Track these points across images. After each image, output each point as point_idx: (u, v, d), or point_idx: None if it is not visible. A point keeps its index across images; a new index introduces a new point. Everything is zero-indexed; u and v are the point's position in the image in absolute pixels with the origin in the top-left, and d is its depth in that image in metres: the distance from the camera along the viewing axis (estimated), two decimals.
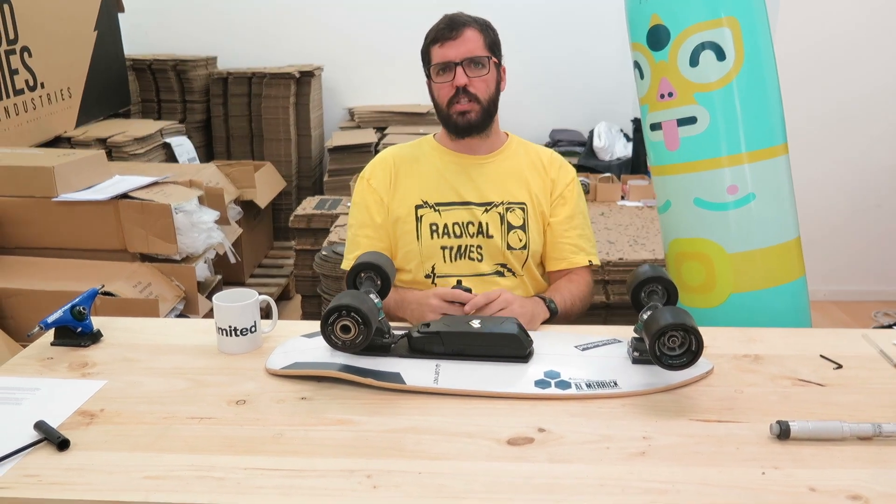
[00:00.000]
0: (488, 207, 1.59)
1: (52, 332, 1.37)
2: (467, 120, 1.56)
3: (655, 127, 1.75)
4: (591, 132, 4.09)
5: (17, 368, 1.28)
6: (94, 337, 1.37)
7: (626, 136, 4.19)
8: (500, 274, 1.61)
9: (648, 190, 3.30)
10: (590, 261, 1.67)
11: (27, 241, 2.40)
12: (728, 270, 1.70)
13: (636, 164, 3.94)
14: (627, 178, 3.53)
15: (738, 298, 1.70)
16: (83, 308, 1.35)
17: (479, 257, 1.60)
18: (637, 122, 4.08)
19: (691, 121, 1.67)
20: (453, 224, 1.59)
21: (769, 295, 1.70)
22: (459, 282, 1.50)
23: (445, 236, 1.59)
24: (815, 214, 3.31)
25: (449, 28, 1.54)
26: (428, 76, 1.59)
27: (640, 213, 3.15)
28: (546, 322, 1.49)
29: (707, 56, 1.64)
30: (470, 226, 1.59)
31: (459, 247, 1.59)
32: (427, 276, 1.59)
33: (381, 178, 1.64)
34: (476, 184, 1.61)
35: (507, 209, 1.60)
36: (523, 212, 1.61)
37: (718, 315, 1.71)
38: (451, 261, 1.59)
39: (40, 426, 1.06)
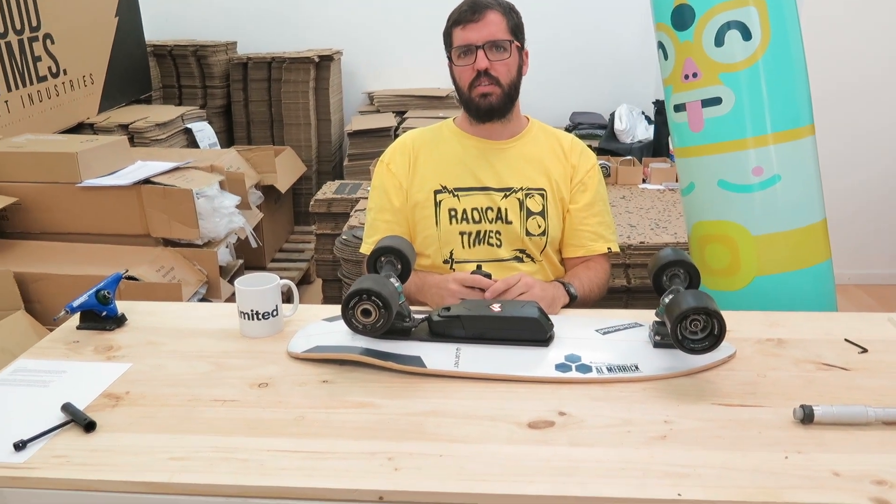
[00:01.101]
0: (507, 193, 1.59)
1: (77, 315, 1.39)
2: (489, 103, 1.55)
3: (679, 108, 1.73)
4: (612, 115, 4.05)
5: (45, 351, 1.30)
6: (118, 321, 1.39)
7: (647, 118, 4.15)
8: (519, 259, 1.60)
9: (670, 173, 3.27)
10: (609, 248, 1.65)
11: (52, 226, 2.43)
12: (752, 253, 1.68)
13: (658, 147, 3.90)
14: (649, 160, 3.49)
15: (763, 282, 1.69)
16: (108, 292, 1.37)
17: (498, 243, 1.59)
18: (659, 104, 4.03)
19: (716, 101, 1.65)
20: (472, 209, 1.59)
21: (794, 278, 1.68)
22: (479, 266, 1.50)
23: (464, 222, 1.59)
24: (841, 195, 3.26)
25: (471, 10, 1.53)
26: (449, 58, 1.58)
27: (661, 196, 3.13)
28: (565, 307, 1.49)
29: (733, 35, 1.61)
30: (489, 211, 1.58)
31: (478, 232, 1.59)
32: (445, 262, 1.60)
33: (401, 163, 1.64)
34: (496, 169, 1.60)
35: (527, 195, 1.59)
36: (542, 198, 1.60)
37: (742, 298, 1.70)
38: (469, 246, 1.59)
39: (67, 408, 1.08)
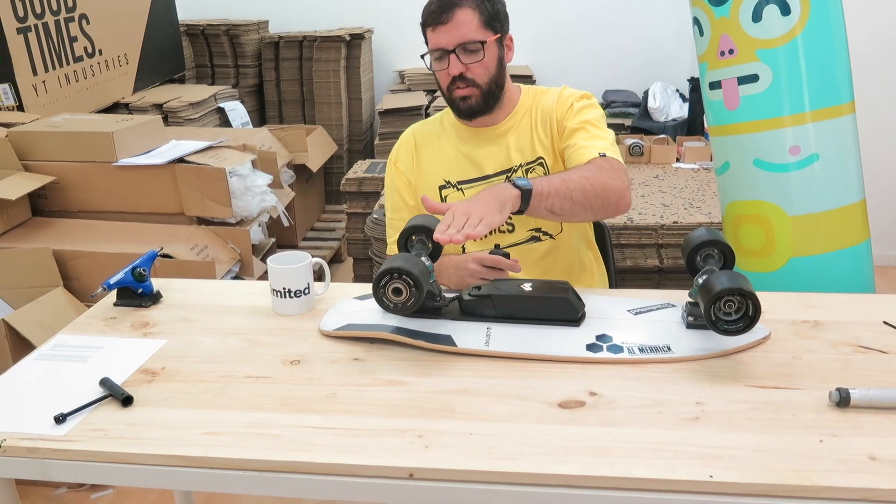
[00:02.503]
0: (509, 174, 1.55)
1: (114, 292, 1.41)
2: (468, 105, 1.50)
3: (715, 86, 1.70)
4: (646, 93, 3.99)
5: (83, 327, 1.33)
6: (154, 298, 1.41)
7: (682, 96, 4.08)
8: (536, 239, 1.57)
9: (704, 152, 3.22)
10: (601, 153, 1.41)
11: (89, 204, 2.47)
12: (788, 234, 1.65)
13: (692, 126, 3.83)
14: (683, 139, 3.44)
15: (799, 263, 1.66)
16: (143, 270, 1.39)
17: (510, 228, 1.56)
18: (694, 82, 3.96)
19: (752, 79, 1.62)
20: None
21: (831, 259, 1.65)
22: (497, 246, 1.48)
23: None
24: (881, 174, 3.18)
25: (439, 10, 1.44)
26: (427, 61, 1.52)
27: (695, 175, 3.08)
28: (529, 209, 1.28)
29: (771, 11, 1.57)
30: None
31: None
32: None
33: (406, 160, 1.63)
34: (495, 153, 1.56)
35: (527, 170, 1.54)
36: (543, 167, 1.54)
37: (777, 280, 1.67)
38: (481, 238, 1.57)
39: (105, 383, 1.10)
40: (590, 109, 1.52)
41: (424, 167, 1.61)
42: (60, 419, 1.02)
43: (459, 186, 1.57)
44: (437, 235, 1.18)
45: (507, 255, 1.42)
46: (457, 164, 1.58)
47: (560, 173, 1.35)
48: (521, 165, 1.55)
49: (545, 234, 1.57)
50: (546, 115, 1.54)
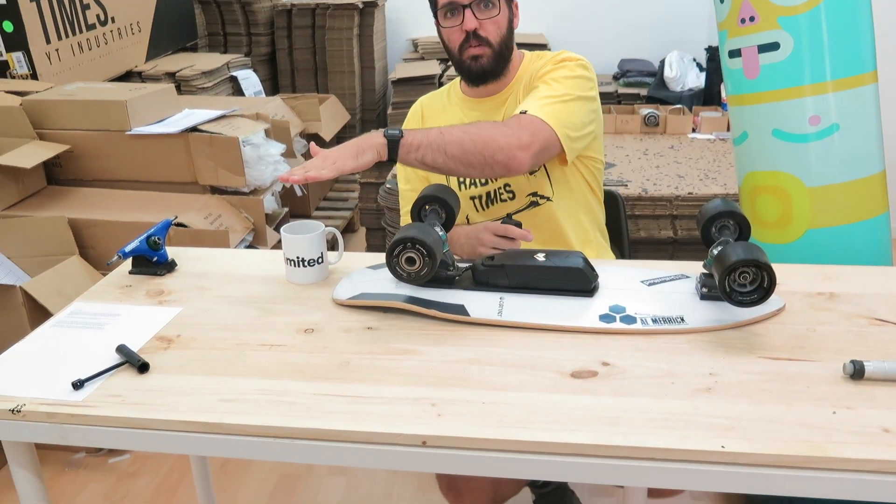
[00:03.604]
0: None
1: (129, 261, 1.42)
2: (480, 66, 1.47)
3: (734, 54, 1.67)
4: (662, 62, 3.94)
5: (99, 295, 1.34)
6: (169, 266, 1.42)
7: (698, 65, 4.02)
8: (535, 204, 1.54)
9: (721, 122, 3.19)
10: (523, 111, 1.37)
11: (103, 173, 2.48)
12: (806, 205, 1.63)
13: (709, 95, 3.79)
14: (699, 109, 3.41)
15: (816, 234, 1.64)
16: (158, 238, 1.40)
17: (511, 195, 1.55)
18: (711, 51, 3.90)
19: (773, 47, 1.59)
20: None
21: (849, 231, 1.63)
22: (509, 215, 1.47)
23: (472, 186, 1.56)
24: None
25: None
26: (436, 19, 1.49)
27: (711, 145, 3.05)
28: (399, 157, 1.27)
29: None
30: None
31: (488, 193, 1.55)
32: None
33: None
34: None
35: None
36: None
37: (793, 251, 1.66)
38: (483, 208, 1.56)
39: (122, 350, 1.12)
40: (560, 70, 1.45)
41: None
42: (78, 385, 1.03)
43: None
44: (280, 175, 1.17)
45: (519, 224, 1.41)
46: None
47: (445, 127, 1.32)
48: None
49: (542, 197, 1.54)
50: (532, 80, 1.50)
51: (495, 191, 1.55)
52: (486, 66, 1.47)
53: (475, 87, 1.54)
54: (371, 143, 1.24)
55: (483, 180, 1.54)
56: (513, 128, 1.33)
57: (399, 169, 1.65)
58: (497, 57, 1.47)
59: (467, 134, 1.30)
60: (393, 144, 1.25)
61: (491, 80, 1.51)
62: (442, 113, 1.60)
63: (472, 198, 1.56)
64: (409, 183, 1.63)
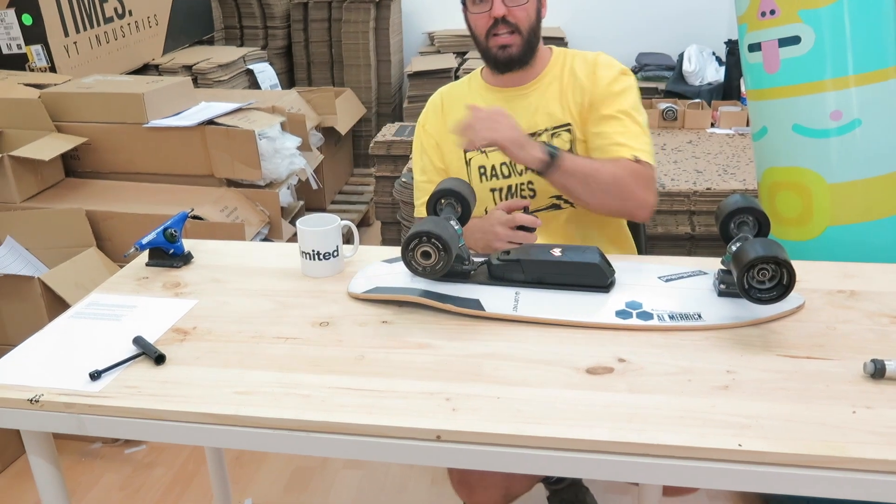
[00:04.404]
0: (533, 137, 1.50)
1: (146, 253, 1.44)
2: (508, 54, 1.47)
3: (754, 48, 1.65)
4: (681, 56, 3.91)
5: (116, 287, 1.35)
6: (185, 258, 1.43)
7: (718, 59, 3.99)
8: (557, 206, 1.55)
9: (740, 117, 3.16)
10: (635, 156, 1.42)
11: (120, 166, 2.50)
12: (826, 202, 1.62)
13: (728, 90, 3.76)
14: (718, 104, 3.38)
15: (836, 231, 1.62)
16: (175, 231, 1.41)
17: (532, 193, 1.54)
18: (731, 45, 3.87)
19: (794, 41, 1.57)
20: (500, 164, 1.54)
21: (870, 228, 1.62)
22: (526, 209, 1.45)
23: (494, 178, 1.55)
24: None
25: None
26: (463, 4, 1.49)
27: (730, 141, 3.03)
28: (548, 174, 1.35)
29: None
30: (516, 163, 1.53)
31: (509, 187, 1.55)
32: None
33: (434, 122, 1.61)
34: (520, 116, 1.51)
35: (553, 134, 1.51)
36: (569, 133, 1.51)
37: (813, 248, 1.64)
38: (502, 202, 1.56)
39: (138, 341, 1.13)
40: (628, 94, 1.49)
41: (450, 128, 1.58)
42: (95, 376, 1.04)
43: (483, 149, 1.54)
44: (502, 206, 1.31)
45: (526, 211, 1.40)
46: None
47: (597, 161, 1.38)
48: (546, 129, 1.52)
49: (566, 201, 1.55)
50: (579, 85, 1.50)
51: (517, 185, 1.55)
52: (513, 54, 1.47)
53: (501, 74, 1.53)
54: (534, 157, 1.33)
55: (505, 173, 1.54)
56: (646, 181, 1.42)
57: (415, 158, 1.65)
58: (525, 45, 1.47)
59: (615, 180, 1.38)
60: (551, 162, 1.33)
61: (517, 69, 1.51)
62: (463, 102, 1.59)
63: (493, 189, 1.56)
64: (425, 174, 1.63)
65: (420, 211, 1.63)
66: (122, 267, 1.45)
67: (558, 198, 1.54)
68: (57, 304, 2.02)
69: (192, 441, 1.01)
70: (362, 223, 3.63)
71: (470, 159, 1.57)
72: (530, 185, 1.54)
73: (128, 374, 1.07)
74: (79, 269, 2.10)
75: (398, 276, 1.28)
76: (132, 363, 1.09)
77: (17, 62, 2.73)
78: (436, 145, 1.61)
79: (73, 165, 2.53)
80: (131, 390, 1.03)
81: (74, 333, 1.19)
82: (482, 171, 1.56)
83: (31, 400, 1.01)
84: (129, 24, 3.16)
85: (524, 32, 1.46)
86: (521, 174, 1.54)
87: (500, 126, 1.34)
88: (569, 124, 1.52)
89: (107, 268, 2.16)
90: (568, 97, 1.52)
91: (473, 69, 1.66)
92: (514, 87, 1.55)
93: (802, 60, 1.58)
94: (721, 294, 1.21)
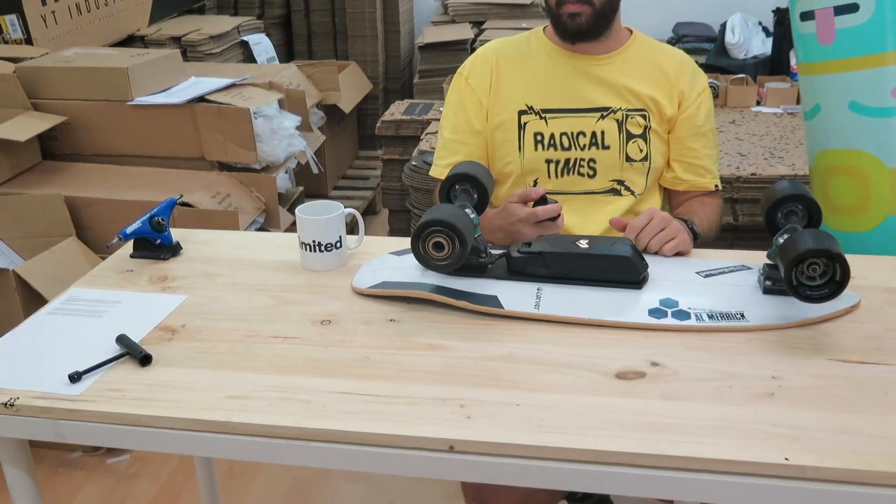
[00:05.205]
0: (605, 113, 1.54)
1: (130, 243, 1.45)
2: (577, 24, 1.49)
3: (807, 16, 1.65)
4: (723, 26, 3.88)
5: (98, 280, 1.36)
6: (173, 249, 1.44)
7: (765, 29, 3.96)
8: (616, 192, 1.56)
9: (790, 93, 3.14)
10: (717, 186, 1.61)
11: (102, 147, 2.52)
12: (886, 188, 1.61)
13: (776, 64, 3.73)
14: (765, 79, 3.36)
15: None
16: (162, 219, 1.42)
17: (591, 172, 1.56)
18: (780, 13, 3.84)
19: (852, 8, 1.56)
20: (561, 134, 1.55)
21: None
22: (545, 198, 1.43)
23: (551, 148, 1.56)
24: None
25: None
26: None
27: (778, 120, 3.01)
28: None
29: None
30: (581, 136, 1.55)
31: (567, 160, 1.56)
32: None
33: (481, 77, 1.60)
34: (591, 88, 1.55)
35: (627, 116, 1.54)
36: (644, 119, 1.55)
37: (870, 241, 1.63)
38: (556, 176, 1.56)
39: (122, 340, 1.14)
40: (713, 109, 1.63)
41: (504, 87, 1.58)
42: (75, 378, 1.05)
43: (543, 115, 1.55)
44: (628, 231, 1.36)
45: (553, 202, 1.38)
46: (545, 89, 1.56)
47: (707, 218, 1.53)
48: (620, 109, 1.55)
49: (627, 189, 1.56)
50: (665, 77, 1.57)
51: (577, 160, 1.55)
52: (583, 24, 1.49)
53: (569, 43, 1.55)
54: (684, 238, 1.39)
55: (566, 144, 1.55)
56: (721, 212, 1.65)
57: (447, 113, 1.64)
58: (597, 16, 1.49)
59: (716, 220, 1.59)
60: (695, 238, 1.45)
61: (589, 40, 1.53)
62: (522, 62, 1.60)
63: (549, 161, 1.56)
64: (456, 133, 1.61)
65: (439, 171, 1.62)
66: (104, 259, 1.46)
67: (620, 182, 1.56)
68: (33, 299, 2.04)
69: (180, 450, 1.02)
70: (368, 211, 3.64)
71: (525, 123, 1.56)
72: (591, 164, 1.55)
73: (110, 376, 1.08)
74: (57, 261, 2.12)
75: (407, 270, 1.28)
76: (115, 364, 1.10)
77: None
78: (478, 103, 1.60)
79: (50, 147, 2.55)
80: (114, 394, 1.04)
81: (52, 331, 1.20)
82: (538, 138, 1.56)
83: (5, 404, 1.02)
84: None
85: (597, 3, 1.48)
86: (583, 149, 1.55)
87: (672, 231, 1.38)
88: (643, 110, 1.55)
89: (87, 260, 2.18)
90: (647, 83, 1.56)
91: (492, 39, 1.65)
92: (586, 54, 1.56)
93: (861, 31, 1.57)
94: (766, 291, 1.20)
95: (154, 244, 1.43)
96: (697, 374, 1.04)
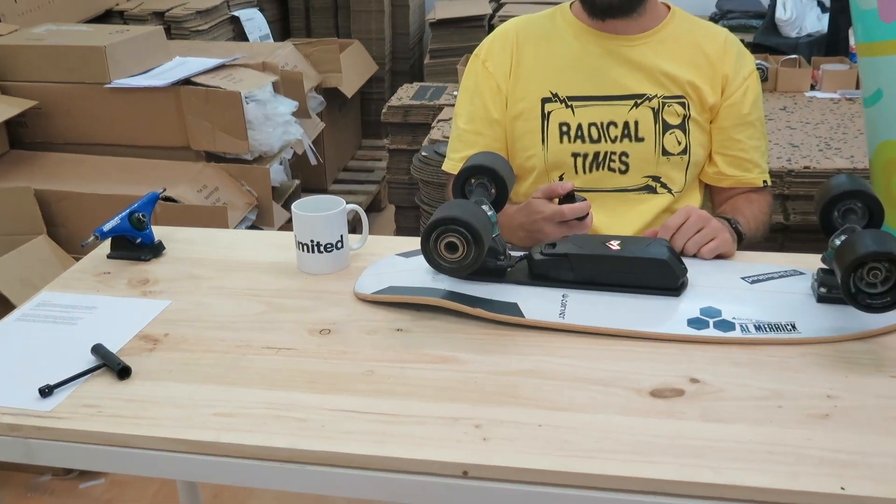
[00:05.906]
0: (639, 101, 1.54)
1: (107, 242, 1.45)
2: (607, 0, 1.50)
3: None
4: (774, 0, 3.87)
5: (71, 283, 1.37)
6: (155, 249, 1.44)
7: (820, 4, 3.95)
8: (651, 190, 1.56)
9: (849, 77, 3.13)
10: (765, 181, 1.61)
11: (77, 135, 2.53)
12: None
13: (833, 43, 3.72)
14: (820, 60, 3.35)
15: None
16: (142, 215, 1.42)
17: (623, 167, 1.55)
18: None
19: None
20: (589, 125, 1.55)
21: None
22: (572, 195, 1.43)
23: (578, 140, 1.56)
24: None
25: None
26: None
27: (835, 107, 3.00)
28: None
29: None
30: (612, 127, 1.54)
31: (596, 154, 1.56)
32: None
33: (500, 61, 1.61)
34: (623, 72, 1.55)
35: (664, 104, 1.54)
36: (683, 108, 1.54)
37: None
38: (584, 171, 1.56)
39: (98, 350, 1.14)
40: (761, 96, 1.63)
41: (526, 71, 1.58)
42: (46, 392, 1.06)
43: (570, 103, 1.55)
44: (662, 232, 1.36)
45: (579, 198, 1.38)
46: (572, 74, 1.56)
47: (753, 217, 1.54)
48: (657, 96, 1.54)
49: (664, 186, 1.56)
50: (706, 60, 1.57)
51: (607, 154, 1.55)
52: (614, 0, 1.49)
53: (599, 21, 1.55)
54: (725, 238, 1.39)
55: (594, 136, 1.55)
56: (771, 210, 1.66)
57: (461, 100, 1.64)
58: None
59: (765, 219, 1.60)
60: (740, 239, 1.46)
61: (621, 17, 1.53)
62: (546, 42, 1.60)
63: (575, 154, 1.56)
64: (472, 123, 1.62)
65: (453, 166, 1.63)
66: (78, 259, 1.47)
67: (655, 179, 1.56)
68: None
69: (161, 473, 1.03)
70: (372, 207, 3.65)
71: (549, 112, 1.56)
72: (623, 158, 1.55)
73: (85, 390, 1.08)
74: (25, 262, 2.14)
75: (416, 274, 1.29)
76: (90, 377, 1.10)
77: None
78: (497, 89, 1.60)
79: (19, 134, 2.56)
80: (89, 410, 1.04)
81: (20, 340, 1.21)
82: (564, 128, 1.56)
83: None
84: None
85: None
86: (614, 141, 1.55)
87: (711, 231, 1.39)
88: (682, 97, 1.55)
89: (59, 260, 2.19)
90: (686, 66, 1.55)
91: (512, 15, 1.66)
92: (617, 34, 1.56)
93: None
94: (821, 299, 1.20)
95: (134, 243, 1.43)
96: (742, 393, 1.04)
